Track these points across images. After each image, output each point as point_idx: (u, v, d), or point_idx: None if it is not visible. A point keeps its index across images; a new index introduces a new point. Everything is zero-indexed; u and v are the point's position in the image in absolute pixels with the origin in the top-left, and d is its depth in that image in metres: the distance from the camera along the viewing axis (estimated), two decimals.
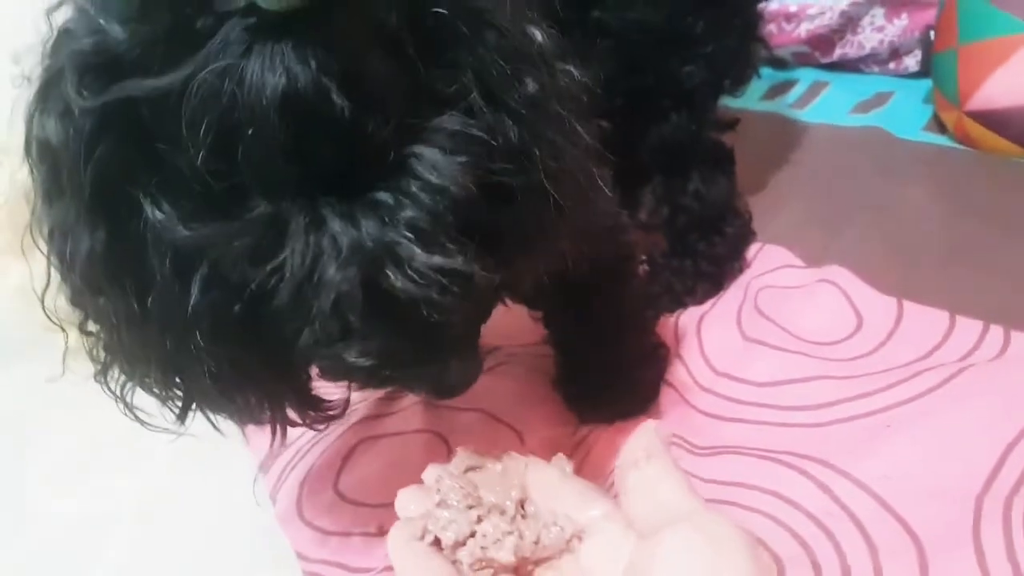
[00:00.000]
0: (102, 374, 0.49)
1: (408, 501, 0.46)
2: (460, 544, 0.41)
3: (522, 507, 0.43)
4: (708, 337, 0.79)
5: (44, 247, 0.44)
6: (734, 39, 0.82)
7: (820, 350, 0.74)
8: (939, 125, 1.03)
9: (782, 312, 0.79)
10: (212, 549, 0.76)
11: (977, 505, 0.55)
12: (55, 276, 0.45)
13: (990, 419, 0.61)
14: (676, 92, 0.79)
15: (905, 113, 1.08)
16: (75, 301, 0.44)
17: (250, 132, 0.33)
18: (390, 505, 0.67)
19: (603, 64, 0.70)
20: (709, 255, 0.86)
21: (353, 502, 0.73)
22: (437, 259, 0.36)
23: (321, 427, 0.53)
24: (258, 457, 0.82)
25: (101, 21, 0.36)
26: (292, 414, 0.50)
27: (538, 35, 0.43)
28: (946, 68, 0.97)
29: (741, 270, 0.87)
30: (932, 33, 1.06)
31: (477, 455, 0.47)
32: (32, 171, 0.41)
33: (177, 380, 0.45)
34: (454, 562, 0.41)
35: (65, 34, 0.38)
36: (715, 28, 0.78)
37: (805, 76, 1.26)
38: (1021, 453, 0.58)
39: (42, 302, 0.47)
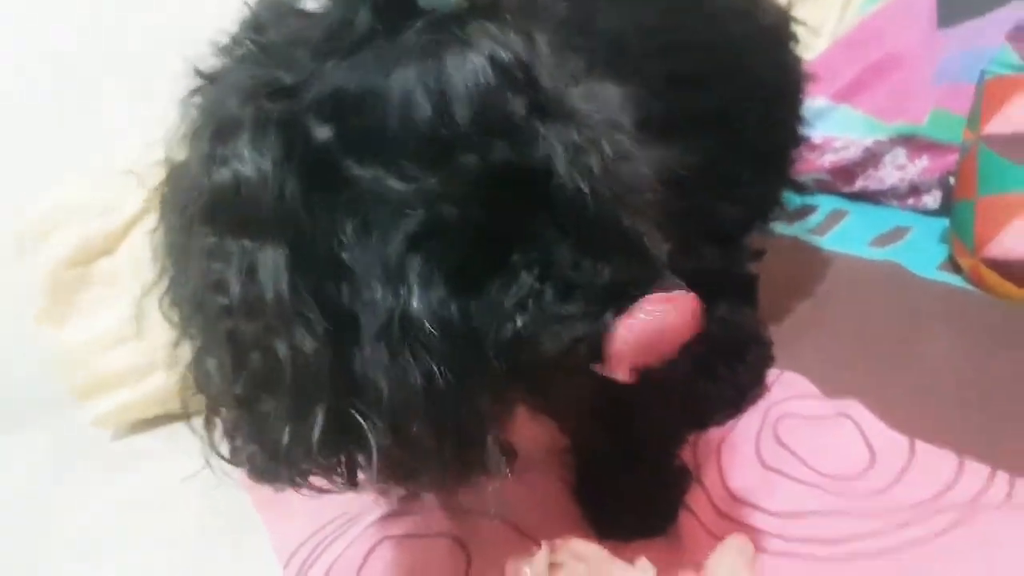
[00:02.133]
0: (234, 451, 0.49)
1: None
2: None
3: None
4: (728, 463, 0.82)
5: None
6: (770, 181, 0.87)
7: (836, 484, 0.76)
8: (955, 266, 1.07)
9: (800, 443, 0.81)
10: None
11: None
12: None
13: (996, 564, 0.64)
14: (713, 226, 0.83)
15: (922, 251, 1.12)
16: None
17: (465, 95, 0.40)
18: None
19: None
20: (731, 381, 0.89)
21: None
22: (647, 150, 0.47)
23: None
24: (279, 547, 0.83)
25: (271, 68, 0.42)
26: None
27: None
28: (964, 216, 1.02)
29: (761, 396, 0.90)
30: (952, 178, 1.11)
31: (561, 551, 0.48)
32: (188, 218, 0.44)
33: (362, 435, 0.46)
34: None
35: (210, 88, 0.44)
36: (753, 171, 0.83)
37: (825, 203, 1.31)
38: None
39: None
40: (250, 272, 0.41)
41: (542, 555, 0.48)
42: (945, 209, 1.15)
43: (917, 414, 0.82)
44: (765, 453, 0.82)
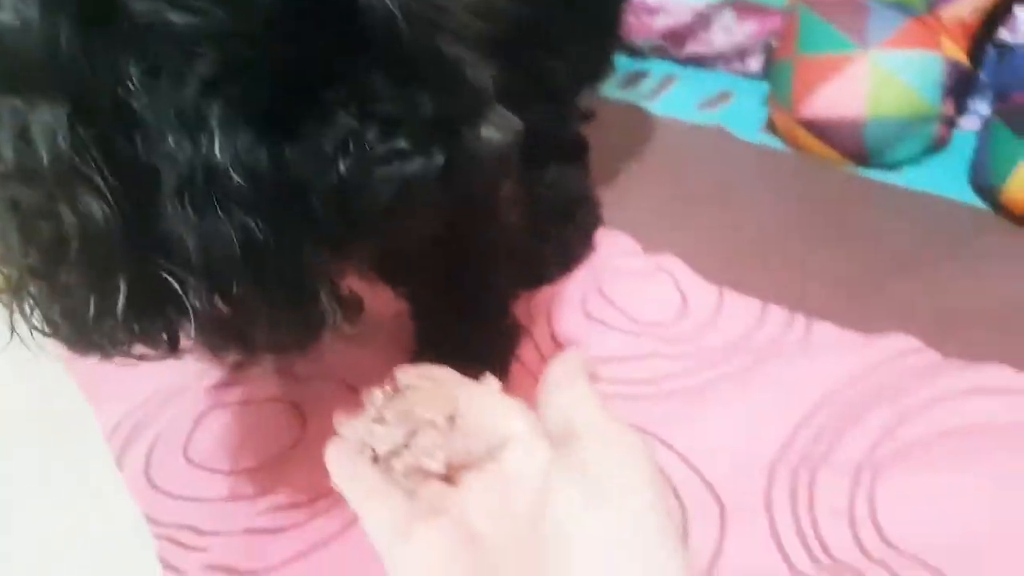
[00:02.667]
0: (44, 322, 0.46)
1: (346, 420, 0.48)
2: (394, 455, 0.44)
3: (452, 421, 0.45)
4: (556, 317, 0.86)
5: None
6: (598, 39, 0.89)
7: (651, 329, 0.82)
8: (773, 126, 1.13)
9: (621, 295, 0.87)
10: (62, 512, 0.75)
11: (770, 473, 0.65)
12: None
13: (787, 399, 0.71)
14: (540, 85, 0.85)
15: (745, 114, 1.18)
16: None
17: None
18: (243, 472, 0.72)
19: None
20: (561, 240, 0.93)
21: (204, 467, 0.74)
22: None
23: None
24: (103, 420, 0.82)
25: None
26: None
27: None
28: (782, 75, 1.07)
29: (589, 254, 0.94)
30: (774, 40, 1.16)
31: (411, 375, 0.49)
32: None
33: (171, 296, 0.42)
34: (388, 472, 0.44)
35: None
36: (581, 28, 0.84)
37: (657, 68, 1.35)
38: (811, 427, 0.68)
39: None
40: (23, 134, 0.38)
41: (395, 378, 0.49)
42: (767, 72, 1.20)
43: (727, 266, 0.88)
44: (590, 306, 0.87)
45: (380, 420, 0.46)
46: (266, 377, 0.82)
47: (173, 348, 0.47)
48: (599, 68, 0.92)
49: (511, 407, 0.45)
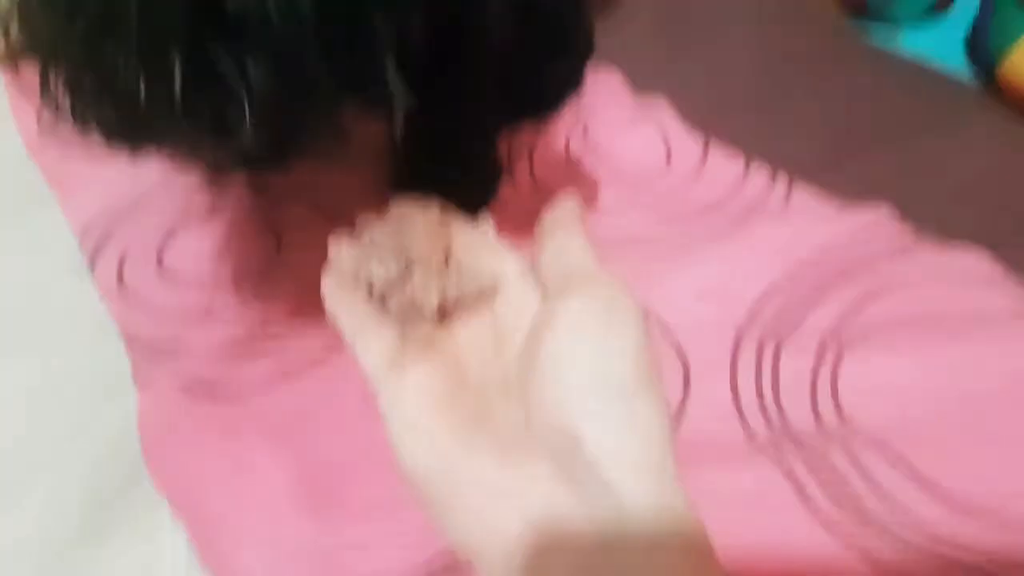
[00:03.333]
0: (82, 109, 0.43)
1: (341, 249, 0.48)
2: (388, 290, 0.45)
3: (445, 261, 0.46)
4: (538, 158, 0.86)
5: None
6: None
7: (633, 183, 0.82)
8: None
9: (605, 140, 0.86)
10: (28, 312, 0.73)
11: (736, 338, 0.67)
12: None
13: (761, 262, 0.72)
14: None
15: None
16: None
17: None
18: (220, 286, 0.72)
19: None
20: (553, 73, 0.90)
21: (180, 280, 0.74)
22: None
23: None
24: (74, 221, 0.80)
25: None
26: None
27: None
28: None
29: (578, 93, 0.92)
30: None
31: (406, 207, 0.49)
32: None
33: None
34: (382, 307, 0.45)
35: None
36: None
37: None
38: (780, 295, 0.70)
39: None
40: None
41: (391, 209, 0.49)
42: None
43: (714, 116, 0.87)
44: (573, 149, 0.86)
45: (374, 252, 0.46)
46: (238, 192, 0.81)
47: (220, 135, 0.44)
48: None
49: (504, 250, 0.46)
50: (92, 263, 0.75)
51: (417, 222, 0.48)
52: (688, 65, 0.95)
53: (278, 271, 0.74)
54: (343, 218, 0.76)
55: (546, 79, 0.90)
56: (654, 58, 0.96)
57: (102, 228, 0.78)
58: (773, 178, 0.80)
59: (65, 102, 0.43)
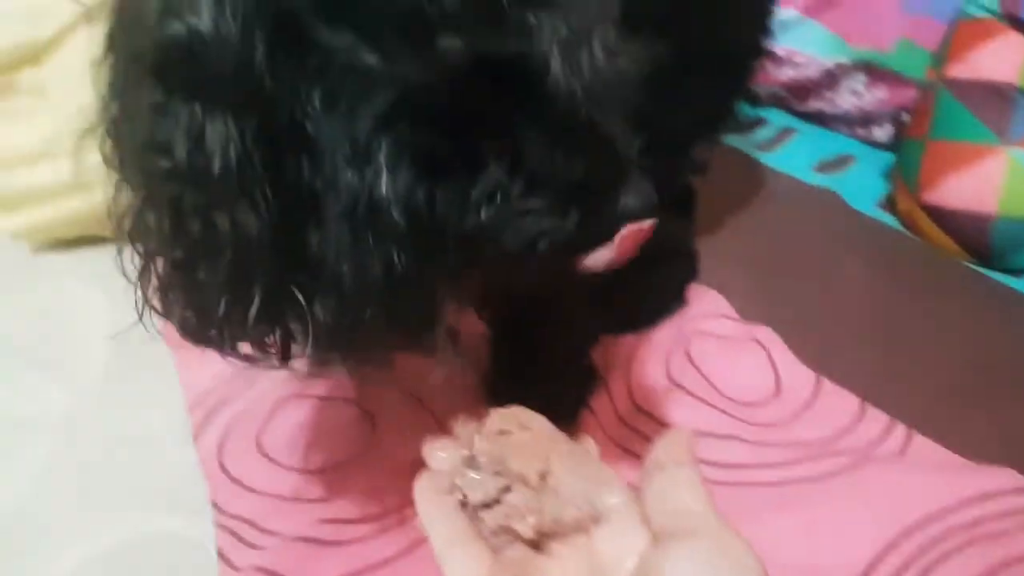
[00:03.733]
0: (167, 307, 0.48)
1: (437, 452, 0.48)
2: (484, 507, 0.43)
3: (545, 480, 0.44)
4: (636, 371, 0.82)
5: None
6: (723, 93, 0.85)
7: (737, 409, 0.77)
8: (892, 204, 1.07)
9: (709, 362, 0.82)
10: (132, 474, 0.76)
11: None
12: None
13: (876, 515, 0.66)
14: (658, 135, 0.81)
15: (863, 184, 1.12)
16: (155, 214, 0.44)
17: None
18: (306, 472, 0.72)
19: None
20: (653, 289, 0.89)
21: (273, 461, 0.74)
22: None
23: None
24: (188, 391, 0.82)
25: None
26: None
27: None
28: (911, 156, 1.01)
29: (680, 308, 0.90)
30: (906, 115, 1.10)
31: (508, 419, 0.47)
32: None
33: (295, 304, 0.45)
34: (475, 521, 0.43)
35: None
36: (707, 80, 0.80)
37: (776, 119, 1.29)
38: (900, 554, 0.63)
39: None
40: (198, 138, 0.39)
41: (490, 421, 0.47)
42: (894, 145, 1.14)
43: (828, 350, 0.83)
44: (673, 368, 0.82)
45: (472, 463, 0.45)
46: (343, 377, 0.81)
47: (284, 358, 0.49)
48: (720, 121, 0.88)
49: (608, 478, 0.44)
50: (197, 434, 0.78)
51: (515, 434, 0.46)
52: (797, 297, 0.92)
53: (370, 457, 0.74)
54: (438, 406, 0.78)
55: (646, 294, 0.89)
56: (761, 287, 0.93)
57: (212, 401, 0.80)
58: (890, 423, 0.75)
59: (154, 293, 0.48)
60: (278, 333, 0.47)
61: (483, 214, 0.44)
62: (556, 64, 0.41)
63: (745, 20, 0.84)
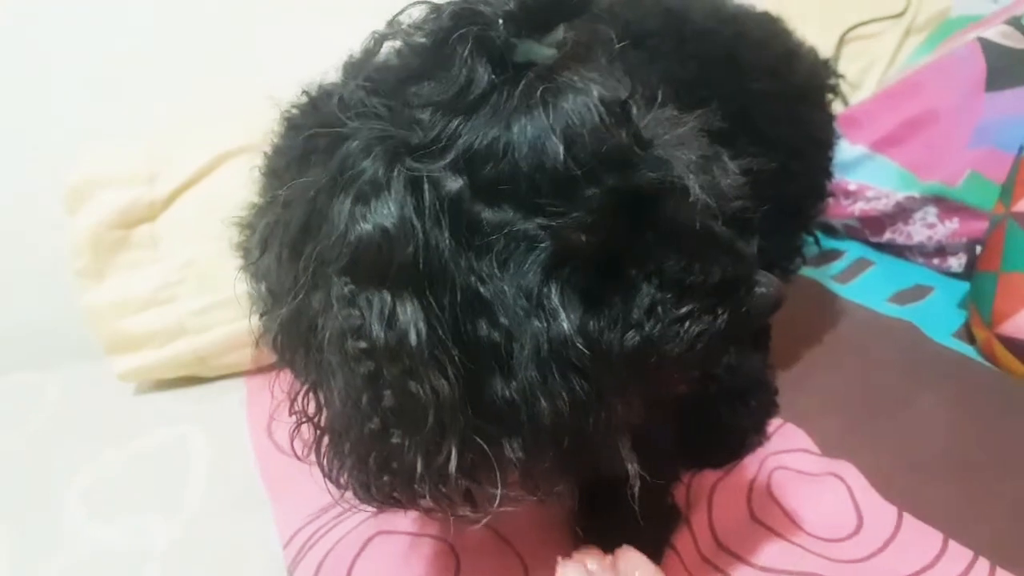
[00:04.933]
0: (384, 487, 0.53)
1: None
2: None
3: None
4: (718, 507, 0.84)
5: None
6: (789, 233, 0.89)
7: (818, 546, 0.78)
8: (970, 335, 1.08)
9: (790, 498, 0.84)
10: None
11: None
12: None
13: None
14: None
15: (940, 314, 1.13)
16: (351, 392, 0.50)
17: (585, 131, 0.46)
18: None
19: None
20: (732, 424, 0.91)
21: None
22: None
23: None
24: (282, 527, 0.87)
25: (398, 127, 0.47)
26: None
27: None
28: (985, 288, 1.03)
29: (760, 443, 0.92)
30: (979, 248, 1.12)
31: (620, 559, 0.55)
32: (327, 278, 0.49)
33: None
34: None
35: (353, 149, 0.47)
36: (772, 223, 0.84)
37: (853, 250, 1.32)
38: None
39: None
40: (391, 319, 0.46)
41: (607, 561, 0.51)
42: (969, 274, 1.15)
43: (909, 485, 0.84)
44: (755, 504, 0.84)
45: None
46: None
47: (472, 505, 0.54)
48: (788, 260, 0.92)
49: None
50: (292, 570, 0.82)
51: None
52: (878, 430, 0.93)
53: None
54: (522, 546, 0.81)
55: (727, 430, 0.92)
56: (841, 421, 0.94)
57: (305, 537, 0.84)
58: (973, 558, 0.75)
59: (340, 469, 0.54)
60: (466, 484, 0.52)
61: (647, 328, 0.51)
62: (694, 183, 0.49)
63: (806, 167, 0.89)
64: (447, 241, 0.46)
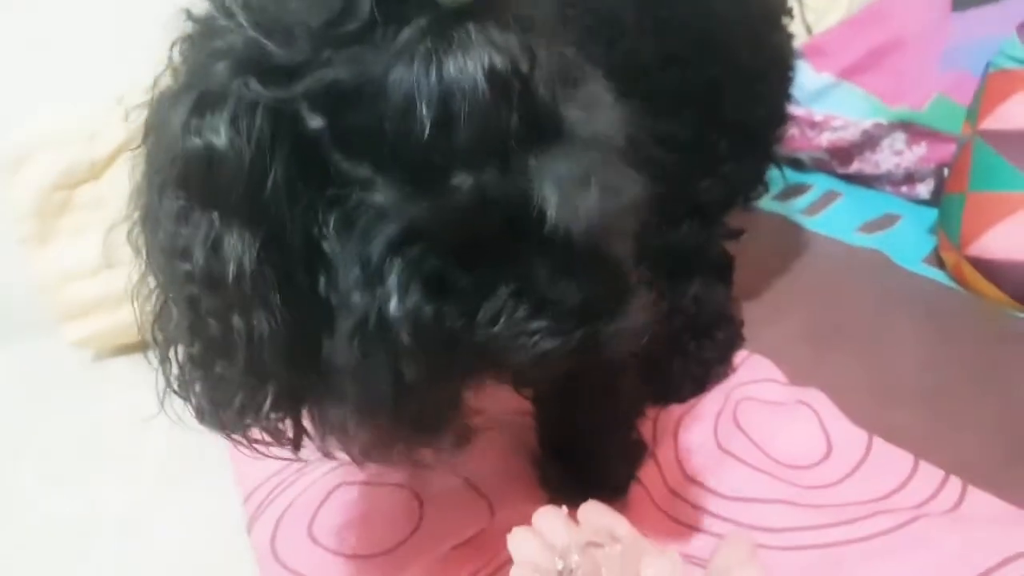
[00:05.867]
0: (185, 391, 0.51)
1: (523, 545, 0.49)
2: None
3: None
4: (684, 440, 0.83)
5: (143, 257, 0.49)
6: (753, 160, 0.86)
7: (787, 473, 0.77)
8: (939, 260, 1.06)
9: (757, 427, 0.82)
10: (194, 569, 0.79)
11: None
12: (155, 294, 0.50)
13: (936, 570, 0.64)
14: (691, 203, 0.83)
15: (909, 241, 1.11)
16: (186, 315, 0.46)
17: (466, 109, 0.39)
18: (358, 557, 0.74)
19: None
20: (697, 358, 0.90)
21: (324, 547, 0.76)
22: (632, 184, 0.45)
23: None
24: (242, 482, 0.86)
25: (267, 40, 0.40)
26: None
27: None
28: (953, 210, 1.01)
29: (726, 375, 0.91)
30: (946, 170, 1.09)
31: (600, 532, 0.50)
32: (153, 180, 0.45)
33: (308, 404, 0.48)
34: None
35: (200, 41, 0.43)
36: (736, 149, 0.82)
37: (820, 182, 1.30)
38: None
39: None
40: (215, 246, 0.42)
41: (582, 531, 0.49)
42: (937, 200, 1.13)
43: (879, 410, 0.82)
44: (722, 435, 0.82)
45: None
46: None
47: (296, 445, 0.52)
48: (752, 187, 0.90)
49: None
50: (251, 525, 0.81)
51: (610, 549, 0.49)
52: (847, 357, 0.91)
53: (418, 541, 0.75)
54: (484, 488, 0.79)
55: (691, 363, 0.90)
56: (810, 350, 0.93)
57: (265, 492, 0.83)
58: (944, 478, 0.73)
59: (174, 380, 0.51)
60: (291, 425, 0.50)
61: (490, 331, 0.46)
62: (552, 208, 0.41)
63: (769, 90, 0.86)
64: (284, 178, 0.41)
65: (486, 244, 0.44)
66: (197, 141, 0.41)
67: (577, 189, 0.42)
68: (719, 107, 0.79)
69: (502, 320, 0.46)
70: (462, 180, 0.41)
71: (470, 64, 0.39)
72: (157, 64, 0.47)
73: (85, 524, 0.86)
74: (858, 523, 0.70)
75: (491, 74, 0.39)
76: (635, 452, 0.81)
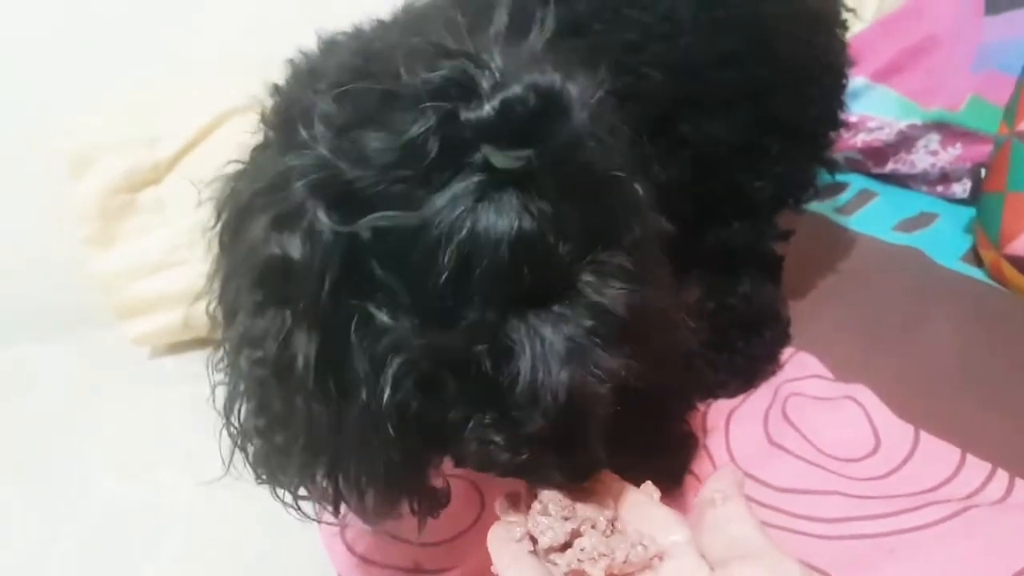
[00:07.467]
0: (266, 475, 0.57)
1: (508, 504, 0.52)
2: (555, 550, 0.47)
3: (612, 524, 0.48)
4: (735, 433, 0.85)
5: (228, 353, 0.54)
6: (804, 161, 0.89)
7: (837, 465, 0.80)
8: (977, 258, 1.08)
9: (807, 422, 0.85)
10: (261, 557, 0.82)
11: None
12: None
13: (985, 561, 0.67)
14: (743, 202, 0.86)
15: (946, 239, 1.13)
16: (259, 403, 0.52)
17: (484, 263, 0.42)
18: (424, 545, 0.77)
19: (681, 170, 0.76)
20: (746, 354, 0.92)
21: (394, 536, 0.78)
22: (613, 361, 0.45)
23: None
24: None
25: (339, 163, 0.44)
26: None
27: (639, 188, 0.51)
28: (992, 209, 1.03)
29: (774, 372, 0.93)
30: (983, 170, 1.12)
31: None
32: (236, 284, 0.51)
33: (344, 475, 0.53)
34: (548, 565, 0.47)
35: (292, 170, 0.45)
36: (788, 150, 0.84)
37: (855, 182, 1.32)
38: None
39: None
40: (286, 340, 0.47)
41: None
42: (974, 199, 1.15)
43: (924, 404, 0.85)
44: (772, 429, 0.85)
45: (544, 511, 0.48)
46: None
47: (336, 509, 0.57)
48: (803, 189, 0.92)
49: (671, 518, 0.48)
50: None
51: (586, 484, 0.51)
52: (889, 354, 0.94)
53: (479, 530, 0.78)
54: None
55: (739, 357, 0.93)
56: (853, 347, 0.96)
57: None
58: (991, 470, 0.76)
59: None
60: (331, 490, 0.54)
61: (457, 432, 0.50)
62: (525, 374, 0.43)
63: (822, 94, 0.89)
64: (335, 281, 0.45)
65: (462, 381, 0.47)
66: (276, 251, 0.45)
67: (555, 362, 0.43)
68: (772, 108, 0.81)
69: (470, 425, 0.49)
70: (457, 331, 0.44)
71: (501, 224, 0.41)
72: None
73: (152, 515, 0.88)
74: (909, 513, 0.73)
75: (516, 239, 0.42)
76: (687, 444, 0.83)
